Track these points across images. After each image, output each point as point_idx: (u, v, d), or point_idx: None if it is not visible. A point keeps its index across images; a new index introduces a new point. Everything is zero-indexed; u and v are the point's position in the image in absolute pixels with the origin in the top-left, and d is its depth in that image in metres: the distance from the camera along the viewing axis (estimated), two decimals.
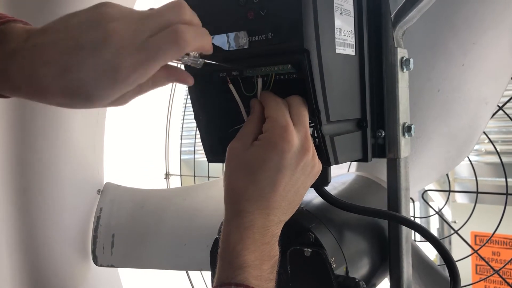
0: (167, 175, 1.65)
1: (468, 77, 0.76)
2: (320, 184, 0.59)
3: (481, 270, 1.99)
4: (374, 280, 0.67)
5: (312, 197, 0.65)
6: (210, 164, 0.91)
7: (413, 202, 1.12)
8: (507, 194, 0.97)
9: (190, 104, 0.59)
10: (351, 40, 0.57)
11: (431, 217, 2.35)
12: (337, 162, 0.55)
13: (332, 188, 0.70)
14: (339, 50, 0.54)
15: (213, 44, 0.48)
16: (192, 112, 0.59)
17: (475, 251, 1.11)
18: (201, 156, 0.89)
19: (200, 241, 0.98)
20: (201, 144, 0.60)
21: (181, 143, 1.67)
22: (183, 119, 1.76)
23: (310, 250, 0.56)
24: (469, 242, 1.67)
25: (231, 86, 0.55)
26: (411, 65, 0.62)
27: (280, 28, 0.50)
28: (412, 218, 0.78)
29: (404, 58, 0.61)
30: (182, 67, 0.51)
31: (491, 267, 1.14)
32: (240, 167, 0.50)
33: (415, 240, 0.97)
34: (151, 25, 0.41)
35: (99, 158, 1.19)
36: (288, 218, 0.52)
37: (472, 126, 0.81)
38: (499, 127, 2.55)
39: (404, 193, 0.64)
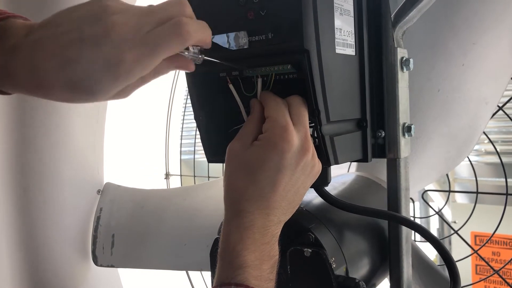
0: (167, 175, 1.65)
1: (468, 77, 0.76)
2: (320, 184, 0.59)
3: (481, 270, 1.99)
4: (374, 280, 0.67)
5: (312, 197, 0.65)
6: (210, 164, 0.91)
7: (413, 202, 1.12)
8: (507, 194, 0.97)
9: (190, 104, 0.59)
10: (351, 40, 0.57)
11: (431, 217, 2.35)
12: (337, 162, 0.55)
13: (332, 188, 0.70)
14: (339, 50, 0.54)
15: (214, 43, 0.48)
16: (192, 112, 0.59)
17: (475, 251, 1.11)
18: (201, 156, 0.90)
19: (200, 241, 0.98)
20: (201, 144, 0.60)
21: (181, 143, 1.67)
22: (183, 119, 1.76)
23: (310, 250, 0.56)
24: (469, 242, 1.67)
25: (231, 86, 0.55)
26: (411, 65, 0.62)
27: (280, 28, 0.50)
28: (412, 218, 0.78)
29: (404, 58, 0.61)
30: None
31: (491, 267, 1.14)
32: (240, 167, 0.50)
33: (415, 240, 0.97)
34: (153, 19, 0.41)
35: (99, 158, 1.19)
36: (288, 218, 0.52)
37: (472, 126, 0.81)
38: (499, 127, 2.55)
39: (404, 193, 0.64)
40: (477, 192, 1.10)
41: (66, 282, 1.09)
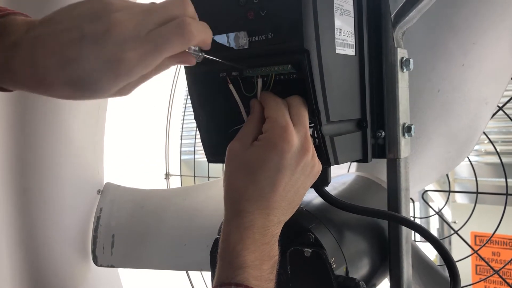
0: (167, 175, 1.65)
1: (468, 77, 0.76)
2: (320, 184, 0.59)
3: (481, 271, 1.99)
4: (374, 280, 0.67)
5: (312, 197, 0.65)
6: (210, 164, 0.91)
7: (413, 202, 1.12)
8: (507, 194, 0.97)
9: (190, 104, 0.59)
10: (351, 40, 0.57)
11: (431, 218, 2.35)
12: (337, 163, 0.55)
13: (332, 188, 0.70)
14: (339, 50, 0.54)
15: (215, 41, 0.47)
16: (192, 112, 0.59)
17: (475, 252, 1.11)
18: (201, 156, 0.90)
19: (200, 241, 0.98)
20: (201, 144, 0.60)
21: (181, 143, 1.67)
22: (183, 119, 1.76)
23: (310, 251, 0.56)
24: (469, 242, 1.67)
25: (231, 86, 0.55)
26: (411, 65, 0.62)
27: (280, 28, 0.50)
28: (412, 219, 0.78)
29: (404, 58, 0.61)
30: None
31: (491, 267, 1.14)
32: (240, 167, 0.50)
33: (415, 241, 0.97)
34: (156, 18, 0.41)
35: (99, 158, 1.19)
36: (288, 218, 0.52)
37: (472, 126, 0.81)
38: (499, 127, 2.54)
39: (404, 194, 0.64)
40: (477, 192, 1.10)
41: (66, 282, 1.09)
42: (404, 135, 0.62)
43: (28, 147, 1.00)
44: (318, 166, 0.53)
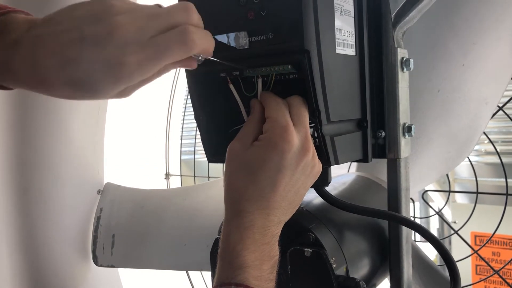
0: (167, 175, 1.65)
1: (468, 77, 0.76)
2: (321, 184, 0.59)
3: (481, 271, 1.99)
4: (375, 280, 0.67)
5: (312, 197, 0.65)
6: (210, 164, 0.91)
7: (413, 202, 1.12)
8: (507, 194, 0.97)
9: (190, 104, 0.59)
10: (351, 40, 0.57)
11: (431, 218, 2.35)
12: (337, 163, 0.55)
13: (332, 188, 0.70)
14: (339, 50, 0.54)
15: (216, 41, 0.47)
16: (192, 112, 0.59)
17: (475, 252, 1.10)
18: (201, 156, 0.90)
19: (200, 241, 0.98)
20: (201, 144, 0.60)
21: (181, 143, 1.67)
22: (183, 119, 1.76)
23: (310, 251, 0.56)
24: (469, 242, 1.67)
25: (231, 86, 0.55)
26: (411, 66, 0.62)
27: (281, 28, 0.50)
28: (412, 219, 0.78)
29: (404, 59, 0.62)
30: None
31: (491, 268, 1.14)
32: (240, 167, 0.50)
33: (415, 241, 0.97)
34: (159, 24, 0.41)
35: (99, 158, 1.19)
36: (288, 218, 0.52)
37: (472, 126, 0.81)
38: (499, 127, 2.55)
39: (404, 194, 0.64)
40: (477, 192, 1.10)
41: (66, 282, 1.09)
42: (404, 135, 0.62)
43: (28, 147, 1.00)
44: (318, 166, 0.53)
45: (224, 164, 0.53)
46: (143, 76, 0.41)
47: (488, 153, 2.55)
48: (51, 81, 0.40)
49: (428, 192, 1.33)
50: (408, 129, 0.62)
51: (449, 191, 1.21)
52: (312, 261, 0.57)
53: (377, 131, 0.62)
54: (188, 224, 1.05)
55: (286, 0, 0.49)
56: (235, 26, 0.52)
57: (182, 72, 1.55)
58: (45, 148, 1.03)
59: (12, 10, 0.43)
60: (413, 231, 0.73)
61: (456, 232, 1.11)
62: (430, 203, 1.56)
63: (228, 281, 0.46)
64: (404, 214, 0.64)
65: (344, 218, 0.64)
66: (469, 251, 1.42)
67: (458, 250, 1.99)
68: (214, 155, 0.59)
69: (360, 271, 0.62)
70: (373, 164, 0.67)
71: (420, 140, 0.79)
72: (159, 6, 0.43)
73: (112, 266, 1.10)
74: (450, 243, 2.18)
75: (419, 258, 0.81)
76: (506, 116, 0.95)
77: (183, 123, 1.75)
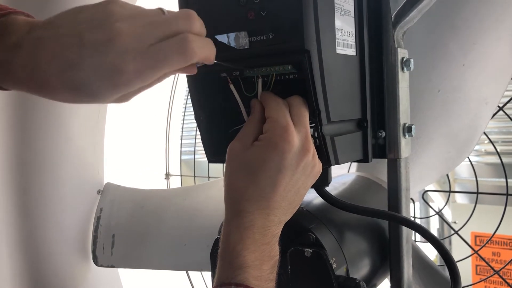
0: (167, 176, 1.65)
1: (469, 77, 0.76)
2: (321, 184, 0.59)
3: (481, 271, 1.99)
4: (375, 281, 0.67)
5: (312, 197, 0.65)
6: (210, 164, 0.91)
7: (413, 202, 1.12)
8: (507, 194, 0.97)
9: (190, 104, 0.59)
10: (352, 40, 0.57)
11: (431, 218, 2.35)
12: (337, 163, 0.55)
13: (333, 188, 0.70)
14: (340, 50, 0.54)
15: (216, 41, 0.47)
16: (192, 112, 0.59)
17: (476, 252, 1.10)
18: (201, 156, 0.89)
19: (200, 241, 0.98)
20: (201, 144, 0.60)
21: (181, 143, 1.67)
22: (183, 119, 1.76)
23: (311, 251, 0.56)
24: (469, 242, 1.67)
25: (231, 86, 0.55)
26: (412, 66, 0.62)
27: (281, 29, 0.50)
28: (412, 219, 0.78)
29: (405, 59, 0.61)
30: None
31: (492, 268, 1.14)
32: (241, 167, 0.50)
33: (415, 241, 0.97)
34: (159, 31, 0.40)
35: (99, 158, 1.19)
36: (288, 219, 0.52)
37: (472, 126, 0.81)
38: (499, 127, 2.54)
39: (404, 194, 0.64)
40: (477, 193, 1.10)
41: (66, 282, 1.09)
42: (404, 135, 0.62)
43: (28, 147, 1.00)
44: (318, 166, 0.53)
45: (224, 164, 0.53)
46: (142, 84, 0.41)
47: (488, 153, 2.55)
48: (50, 84, 0.40)
49: (428, 192, 1.33)
50: (408, 129, 0.62)
51: (449, 191, 1.21)
52: (312, 261, 0.57)
53: (378, 131, 0.62)
54: (188, 224, 1.05)
55: (287, 0, 0.49)
56: (235, 26, 0.52)
57: None
58: (45, 148, 1.03)
59: (13, 11, 0.43)
60: (413, 231, 0.73)
61: (456, 232, 1.11)
62: (430, 203, 1.56)
63: (228, 281, 0.46)
64: (404, 214, 0.64)
65: (344, 218, 0.64)
66: (469, 251, 1.41)
67: (458, 250, 1.99)
68: (214, 155, 0.59)
69: (361, 271, 0.62)
70: (373, 164, 0.67)
71: (420, 140, 0.79)
72: (161, 10, 0.42)
73: (112, 266, 1.10)
74: (450, 243, 2.18)
75: (419, 258, 0.81)
76: (506, 116, 0.95)
77: (183, 123, 1.75)
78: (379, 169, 0.81)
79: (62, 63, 0.39)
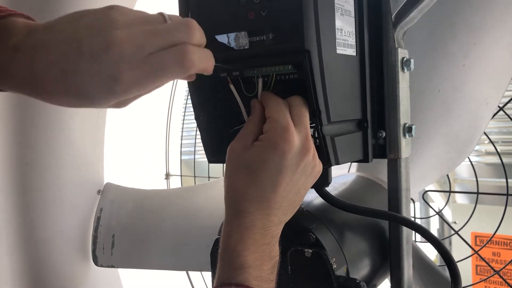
0: (167, 176, 1.65)
1: (469, 78, 0.76)
2: (321, 184, 0.59)
3: (481, 271, 1.99)
4: (375, 281, 0.67)
5: (312, 197, 0.64)
6: (210, 164, 0.91)
7: (414, 202, 1.12)
8: (507, 194, 0.97)
9: (190, 105, 0.59)
10: (352, 40, 0.57)
11: (431, 218, 2.35)
12: (337, 163, 0.55)
13: (333, 188, 0.69)
14: (340, 50, 0.54)
15: (216, 41, 0.47)
16: (192, 112, 0.59)
17: (476, 252, 1.10)
18: (202, 156, 0.89)
19: (200, 241, 0.98)
20: (201, 144, 0.60)
21: (181, 144, 1.67)
22: (183, 120, 1.76)
23: (311, 251, 0.56)
24: (470, 242, 1.67)
25: (232, 86, 0.55)
26: (412, 66, 0.62)
27: (281, 29, 0.50)
28: (412, 219, 0.78)
29: (405, 59, 0.61)
30: None
31: (492, 268, 1.14)
32: (241, 168, 0.50)
33: (415, 241, 0.97)
34: (158, 41, 0.40)
35: (99, 158, 1.19)
36: (288, 219, 0.52)
37: (472, 126, 0.81)
38: (500, 127, 2.54)
39: (404, 194, 0.64)
40: (477, 193, 1.10)
41: (66, 282, 1.09)
42: (404, 135, 0.62)
43: (28, 147, 1.00)
44: (319, 167, 0.53)
45: (224, 165, 0.53)
46: (139, 92, 0.41)
47: (488, 153, 2.55)
48: (48, 89, 0.40)
49: (429, 193, 1.33)
50: (408, 129, 0.62)
51: (450, 192, 1.21)
52: (312, 262, 0.57)
53: (378, 131, 0.62)
54: (188, 224, 1.05)
55: (287, 0, 0.49)
56: (235, 26, 0.52)
57: None
58: (45, 148, 1.03)
59: (13, 13, 0.42)
60: (413, 232, 0.73)
61: (456, 232, 1.10)
62: (431, 204, 1.56)
63: (229, 281, 0.46)
64: (404, 214, 0.64)
65: (345, 219, 0.64)
66: (469, 251, 1.41)
67: (459, 250, 1.98)
68: (214, 155, 0.59)
69: (361, 271, 0.62)
70: (373, 164, 0.67)
71: (420, 140, 0.79)
72: (162, 15, 0.42)
73: (112, 266, 1.10)
74: (450, 243, 2.18)
75: (419, 258, 0.81)
76: (506, 116, 0.95)
77: (183, 123, 1.75)
78: (379, 169, 0.81)
79: (60, 69, 0.38)
